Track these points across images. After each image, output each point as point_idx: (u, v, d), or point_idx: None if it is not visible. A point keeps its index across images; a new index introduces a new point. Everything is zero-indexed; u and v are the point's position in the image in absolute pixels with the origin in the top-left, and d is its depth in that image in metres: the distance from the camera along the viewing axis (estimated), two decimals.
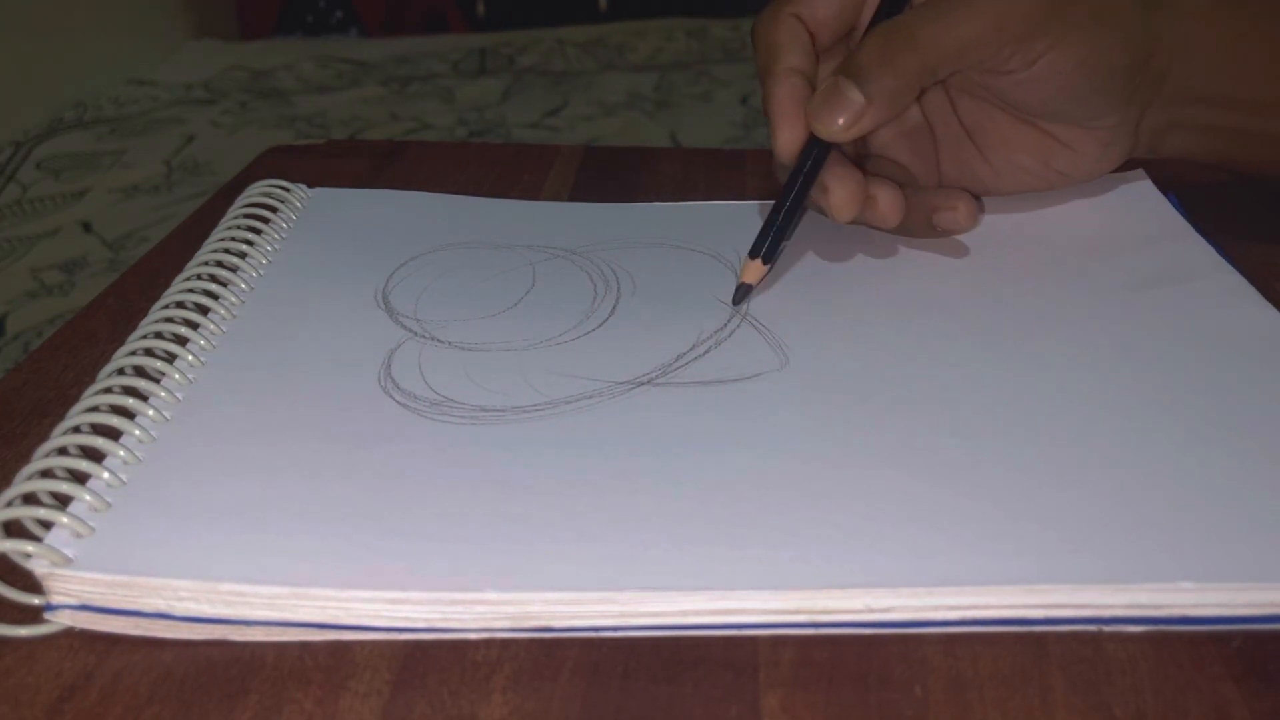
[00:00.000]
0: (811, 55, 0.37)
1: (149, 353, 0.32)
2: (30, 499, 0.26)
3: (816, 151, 0.36)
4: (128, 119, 2.10)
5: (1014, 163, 0.40)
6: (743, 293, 0.36)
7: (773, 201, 0.37)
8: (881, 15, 0.38)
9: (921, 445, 0.29)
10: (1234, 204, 0.43)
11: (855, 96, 0.34)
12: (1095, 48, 0.36)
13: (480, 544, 0.25)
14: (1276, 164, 0.40)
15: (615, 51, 2.45)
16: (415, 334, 0.35)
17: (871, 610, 0.24)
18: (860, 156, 0.40)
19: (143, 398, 0.30)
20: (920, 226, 0.38)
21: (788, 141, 0.36)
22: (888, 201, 0.36)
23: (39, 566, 0.24)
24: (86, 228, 1.65)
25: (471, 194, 0.45)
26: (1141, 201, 0.42)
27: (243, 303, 0.36)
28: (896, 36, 0.35)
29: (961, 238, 0.40)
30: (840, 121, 0.35)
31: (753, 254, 0.36)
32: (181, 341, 0.32)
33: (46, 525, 0.25)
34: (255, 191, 0.42)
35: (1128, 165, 0.42)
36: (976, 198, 0.39)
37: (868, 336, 0.34)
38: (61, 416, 0.29)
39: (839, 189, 0.36)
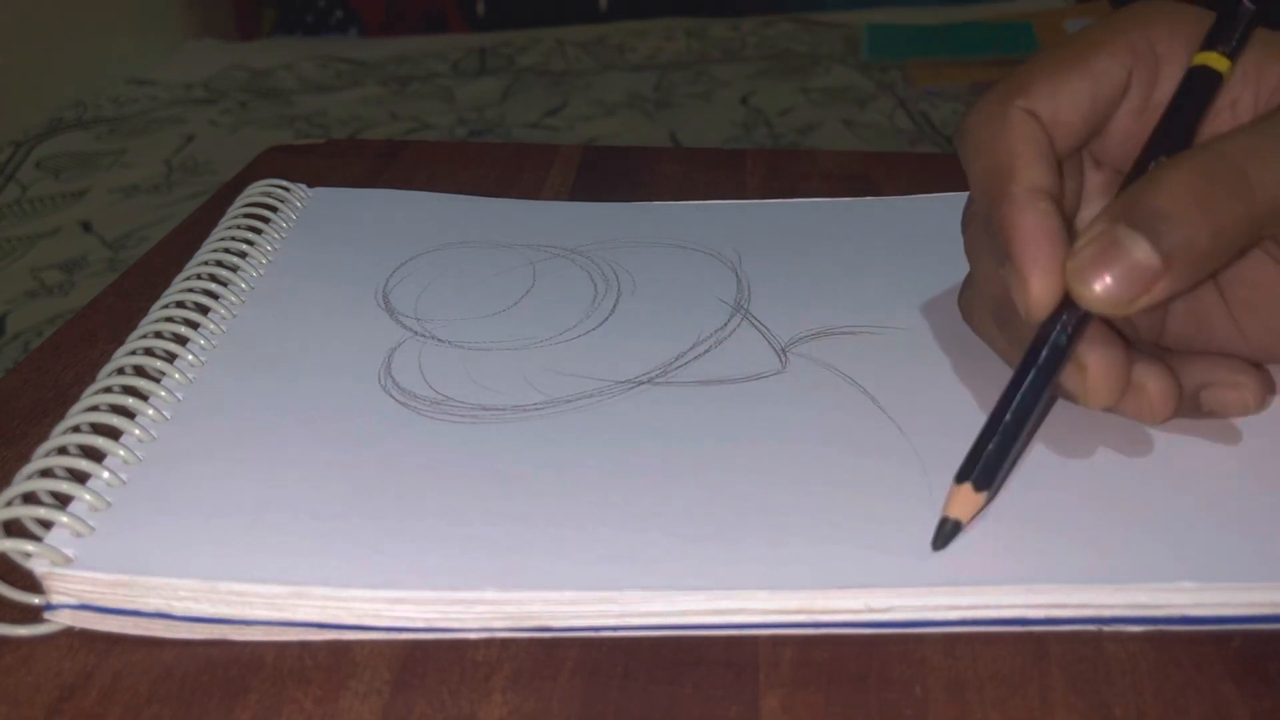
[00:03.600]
0: (1056, 168, 0.27)
1: (149, 352, 0.32)
2: (30, 498, 0.26)
3: (1076, 321, 0.26)
4: (128, 119, 2.10)
5: (1271, 326, 0.29)
6: (949, 533, 0.25)
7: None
8: (1168, 130, 0.28)
9: (921, 445, 0.29)
10: None
11: (1146, 257, 0.24)
12: None
13: (480, 543, 0.25)
14: None
15: (615, 51, 2.45)
16: (415, 333, 0.35)
17: (871, 610, 0.24)
18: None
19: (143, 397, 0.30)
20: (1183, 406, 0.28)
21: (1043, 296, 0.26)
22: (1159, 392, 0.27)
23: (39, 566, 0.24)
24: (86, 227, 1.65)
25: (471, 194, 0.45)
26: None
27: (243, 302, 0.36)
28: (1218, 175, 0.24)
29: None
30: (1119, 289, 0.24)
31: (960, 478, 0.25)
32: (181, 341, 0.32)
33: (46, 525, 0.25)
34: (255, 191, 0.42)
35: None
36: (1264, 370, 0.29)
37: (867, 336, 0.34)
38: (61, 416, 0.29)
39: (1099, 366, 0.26)
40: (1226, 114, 0.28)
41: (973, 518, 0.25)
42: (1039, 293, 0.26)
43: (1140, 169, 0.28)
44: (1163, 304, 0.26)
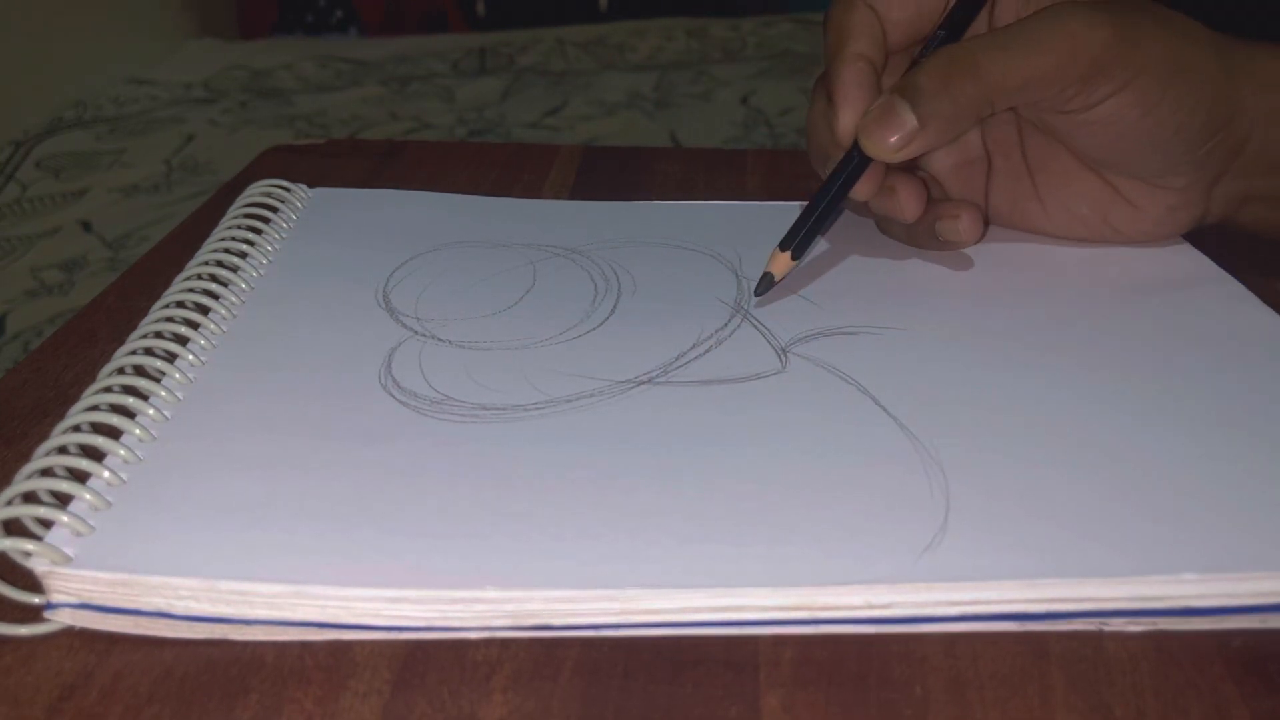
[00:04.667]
0: (881, 45, 0.37)
1: (149, 352, 0.32)
2: (30, 498, 0.26)
3: (862, 154, 0.36)
4: (127, 118, 2.10)
5: (1069, 209, 0.39)
6: (766, 284, 0.36)
7: (792, 200, 0.37)
8: (944, 32, 0.37)
9: (921, 443, 0.29)
10: None
11: (908, 118, 0.34)
12: (1165, 100, 0.34)
13: (480, 542, 0.25)
14: None
15: (615, 51, 2.45)
16: (416, 333, 0.35)
17: (872, 607, 0.24)
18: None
19: (143, 397, 0.30)
20: (925, 236, 0.38)
21: (848, 124, 0.36)
22: (908, 193, 0.37)
23: (39, 565, 0.24)
24: (86, 227, 1.65)
25: (471, 194, 0.45)
26: None
27: (243, 302, 0.36)
28: (959, 62, 0.34)
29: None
30: (891, 141, 0.34)
31: (783, 246, 0.36)
32: (182, 341, 0.32)
33: (46, 524, 0.25)
34: (255, 191, 0.42)
35: (1199, 234, 0.39)
36: (984, 215, 0.38)
37: (867, 336, 0.34)
38: (61, 416, 0.29)
39: (876, 172, 0.36)
40: (984, 23, 0.38)
41: (784, 276, 0.36)
42: (844, 121, 0.36)
43: (922, 57, 0.37)
44: (922, 153, 0.35)
